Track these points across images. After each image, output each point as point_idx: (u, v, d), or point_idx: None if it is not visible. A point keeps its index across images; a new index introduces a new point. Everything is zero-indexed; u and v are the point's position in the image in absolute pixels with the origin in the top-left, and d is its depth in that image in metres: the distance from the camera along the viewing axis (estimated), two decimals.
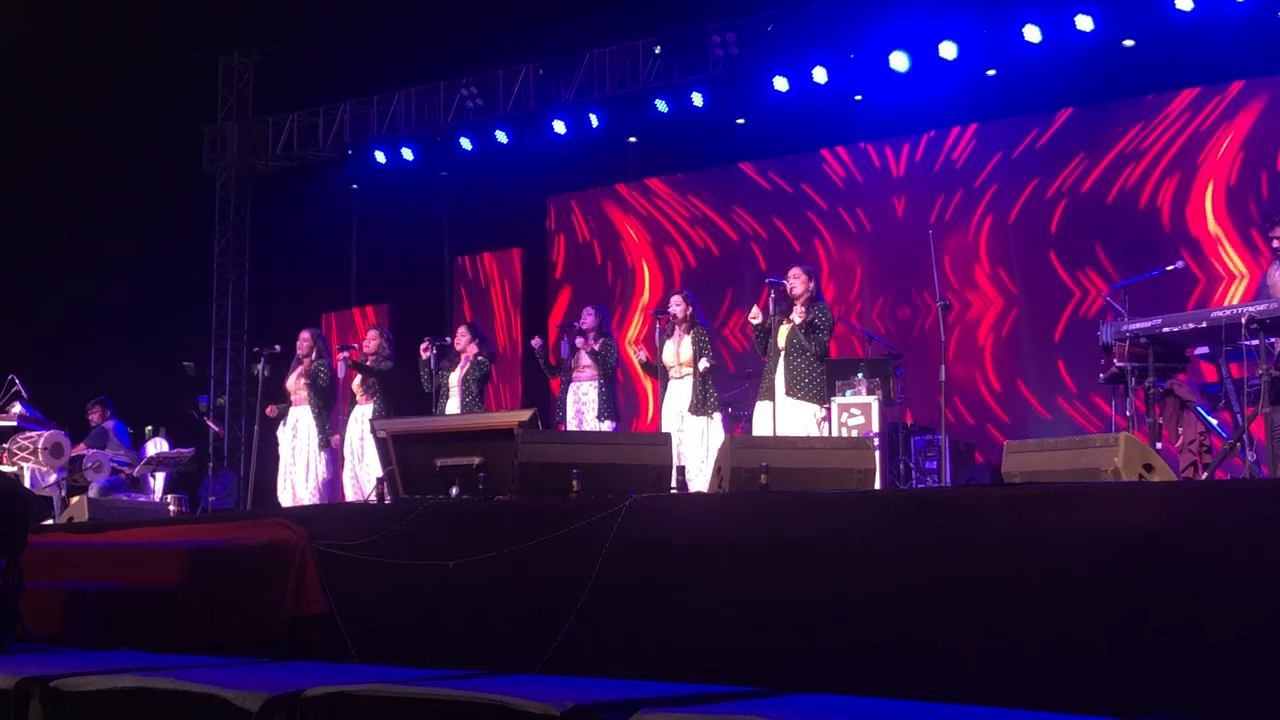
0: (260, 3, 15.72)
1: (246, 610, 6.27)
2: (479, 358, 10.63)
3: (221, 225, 16.73)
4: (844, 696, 3.44)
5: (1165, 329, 7.06)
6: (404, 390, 10.93)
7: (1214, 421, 7.30)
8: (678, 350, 9.70)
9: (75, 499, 10.50)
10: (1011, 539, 4.72)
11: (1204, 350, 7.24)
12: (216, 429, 14.83)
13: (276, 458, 10.90)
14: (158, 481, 12.53)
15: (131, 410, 13.55)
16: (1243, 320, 6.61)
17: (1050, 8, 11.66)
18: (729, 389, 10.96)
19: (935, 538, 4.89)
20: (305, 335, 10.96)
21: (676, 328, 9.76)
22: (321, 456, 10.69)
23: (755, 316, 9.07)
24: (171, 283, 16.43)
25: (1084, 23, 11.51)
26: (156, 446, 12.92)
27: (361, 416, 10.56)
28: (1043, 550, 4.60)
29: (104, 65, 15.03)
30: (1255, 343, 6.63)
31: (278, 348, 10.90)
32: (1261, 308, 6.72)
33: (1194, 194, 11.80)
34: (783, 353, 9.00)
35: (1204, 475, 7.06)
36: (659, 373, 9.73)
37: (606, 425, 10.13)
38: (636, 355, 10.13)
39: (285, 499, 10.61)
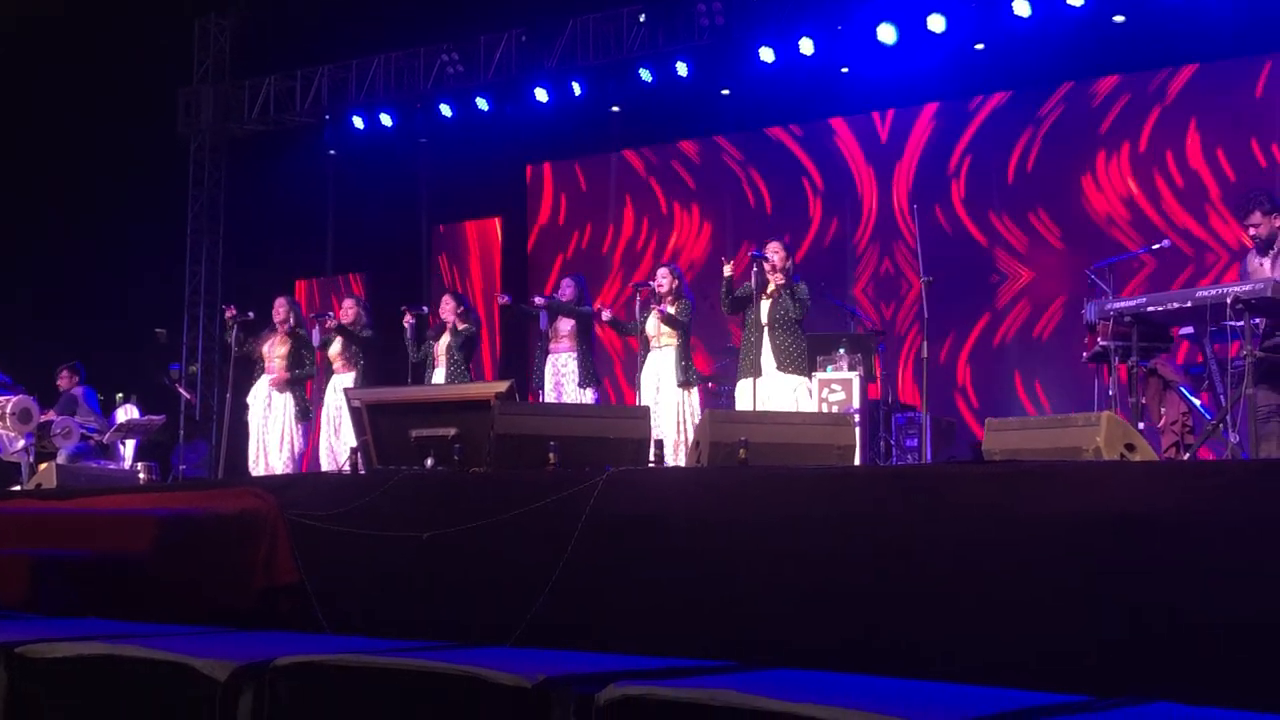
0: None
1: (217, 579, 6.27)
2: (464, 326, 10.63)
3: (195, 190, 16.66)
4: (818, 672, 3.46)
5: (1150, 308, 7.08)
6: (383, 360, 10.93)
7: (1197, 402, 7.34)
8: (660, 322, 9.71)
9: (44, 465, 10.48)
10: (991, 516, 4.73)
11: (1188, 330, 7.28)
12: (189, 396, 14.78)
13: (249, 426, 10.89)
14: (128, 449, 12.50)
15: (103, 377, 13.51)
16: (1228, 300, 6.64)
17: None
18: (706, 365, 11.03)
19: (914, 514, 4.90)
20: (281, 303, 10.94)
21: (662, 300, 9.77)
22: (299, 427, 10.68)
23: (728, 269, 9.05)
24: (144, 247, 16.32)
25: None
26: (127, 413, 12.90)
27: (339, 386, 10.56)
28: (1022, 528, 4.62)
29: (79, 24, 14.92)
30: (1240, 323, 6.66)
31: (251, 315, 10.86)
32: (1247, 288, 6.74)
33: (1185, 171, 11.84)
34: (766, 328, 9.01)
35: (1186, 456, 7.11)
36: (635, 332, 9.76)
37: (588, 393, 10.16)
38: (602, 316, 10.15)
39: (257, 468, 10.61)
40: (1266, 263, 7.27)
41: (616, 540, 5.54)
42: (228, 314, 10.71)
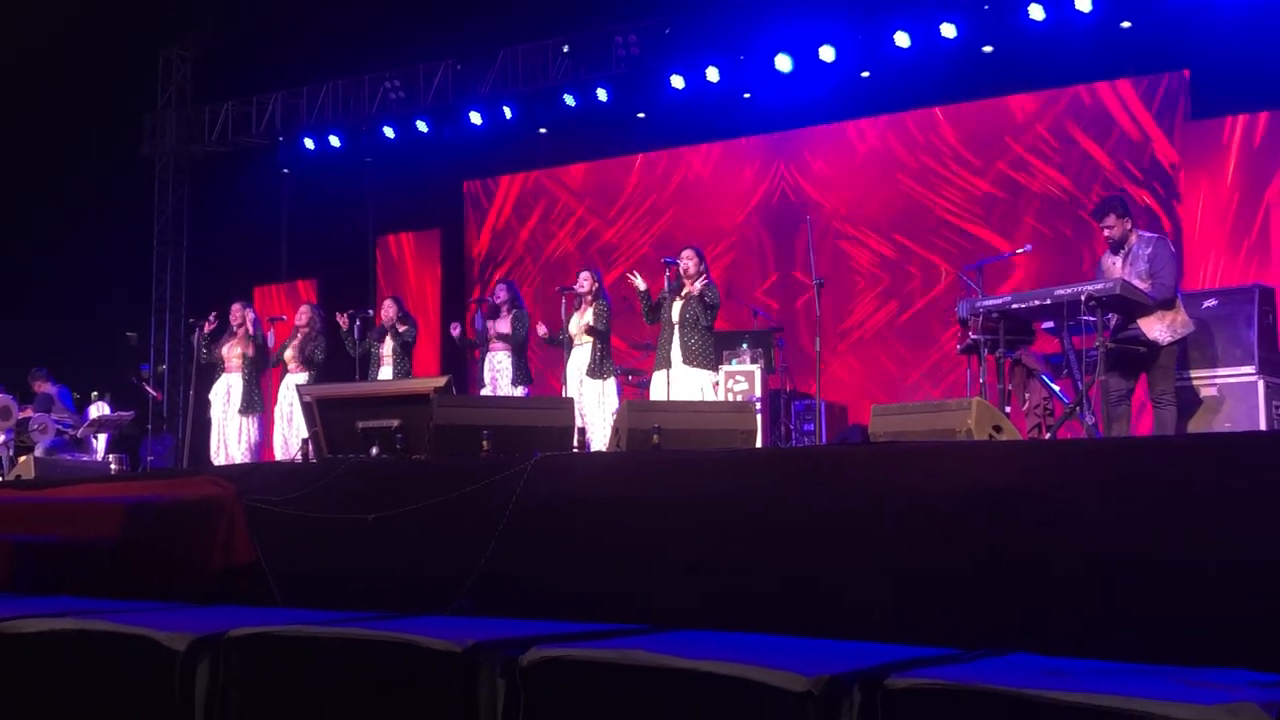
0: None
1: (180, 560, 6.17)
2: (405, 328, 10.57)
3: (161, 206, 16.48)
4: (722, 633, 3.47)
5: (1014, 305, 7.19)
6: (330, 361, 10.85)
7: (1056, 388, 7.44)
8: (580, 320, 9.71)
9: (22, 458, 10.30)
10: (877, 491, 4.77)
11: (1049, 324, 7.38)
12: (155, 394, 14.59)
13: (211, 421, 10.76)
14: (100, 442, 12.32)
15: (77, 376, 13.32)
16: (1082, 298, 6.77)
17: (918, 16, 11.81)
18: (627, 359, 11.02)
19: (809, 490, 4.93)
20: (237, 307, 10.84)
21: (582, 300, 9.77)
22: (252, 420, 10.57)
23: (640, 283, 9.09)
24: (115, 259, 16.15)
25: (948, 30, 11.68)
26: (99, 410, 12.73)
27: (292, 384, 10.47)
28: (904, 501, 4.66)
29: (51, 57, 14.71)
30: (1093, 318, 6.78)
31: (213, 318, 10.77)
32: (1099, 287, 6.87)
33: (1046, 185, 12.00)
34: (677, 326, 9.04)
35: (1047, 435, 7.21)
36: (564, 344, 9.74)
37: (520, 390, 10.15)
38: (539, 332, 10.14)
39: (219, 459, 10.49)
40: (1119, 261, 7.38)
41: (544, 518, 5.53)
42: (206, 327, 10.64)
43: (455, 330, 10.90)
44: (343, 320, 10.61)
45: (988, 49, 11.91)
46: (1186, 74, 11.41)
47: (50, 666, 3.64)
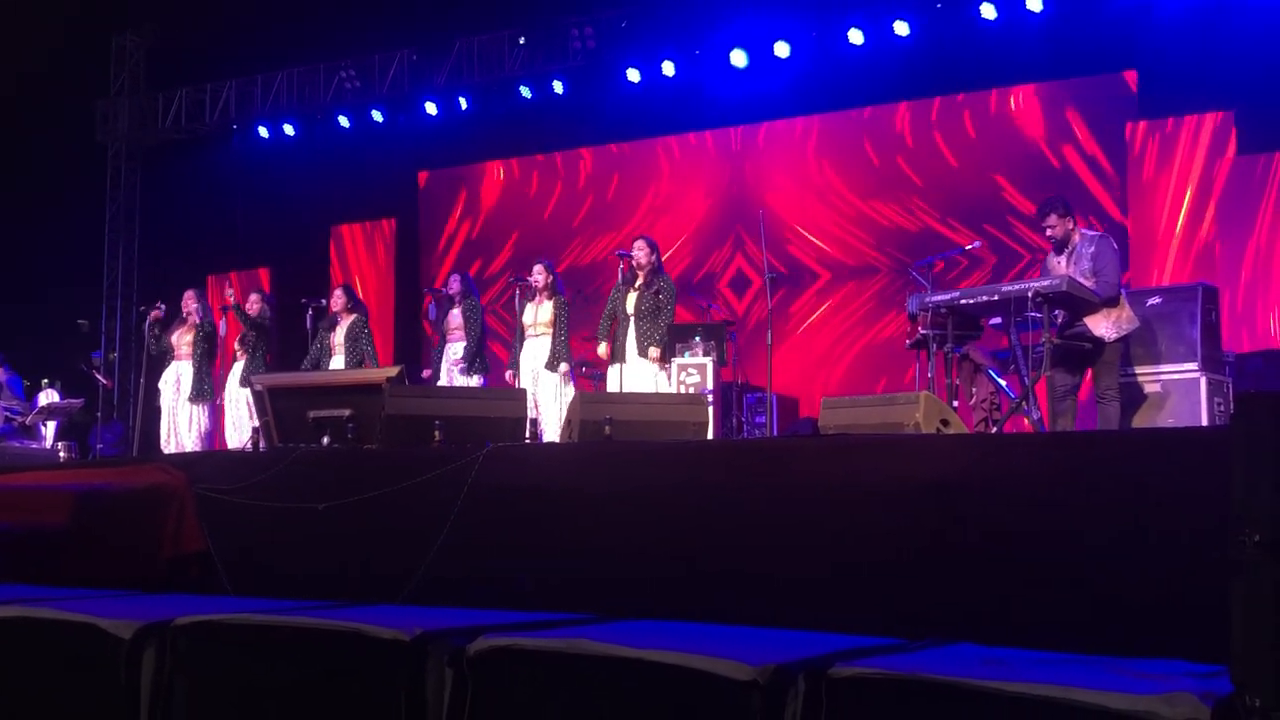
0: None
1: (130, 548, 6.10)
2: (356, 317, 10.51)
3: (114, 192, 16.29)
4: (667, 621, 3.48)
5: (963, 301, 7.24)
6: (284, 349, 10.78)
7: (1003, 383, 7.51)
8: (536, 312, 9.68)
9: None
10: (826, 483, 4.78)
11: (997, 320, 7.43)
12: (106, 382, 14.43)
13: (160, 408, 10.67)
14: (49, 430, 12.18)
15: (28, 363, 13.16)
16: (1029, 295, 6.83)
17: (871, 14, 11.87)
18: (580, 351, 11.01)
19: (759, 482, 4.94)
20: (189, 296, 10.75)
21: (538, 293, 9.74)
22: (202, 408, 10.48)
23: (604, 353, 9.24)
24: (67, 245, 15.95)
25: (901, 28, 11.72)
26: (48, 397, 12.57)
27: (241, 371, 10.40)
28: (853, 492, 4.67)
29: (1, 43, 14.52)
30: (1040, 314, 6.84)
31: (163, 307, 10.68)
32: (1046, 284, 6.94)
33: (997, 183, 12.08)
34: (631, 319, 9.04)
35: (993, 429, 7.27)
36: (518, 330, 9.71)
37: (476, 379, 10.12)
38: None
39: (169, 447, 10.39)
40: (1063, 260, 7.45)
41: (495, 508, 5.50)
42: (151, 316, 10.57)
43: (427, 375, 10.79)
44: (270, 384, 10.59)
45: (940, 47, 11.97)
46: (1135, 75, 11.53)
47: None
